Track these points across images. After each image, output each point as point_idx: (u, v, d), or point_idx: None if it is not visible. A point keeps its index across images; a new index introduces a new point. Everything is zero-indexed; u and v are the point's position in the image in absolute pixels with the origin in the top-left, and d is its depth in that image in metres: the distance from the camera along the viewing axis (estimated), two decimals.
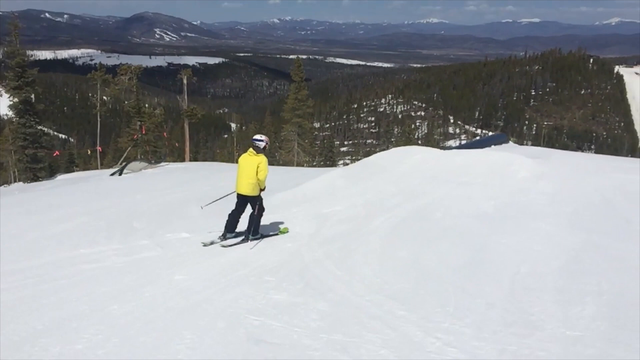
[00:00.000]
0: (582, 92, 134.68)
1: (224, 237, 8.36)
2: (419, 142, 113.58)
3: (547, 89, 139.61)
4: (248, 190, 8.16)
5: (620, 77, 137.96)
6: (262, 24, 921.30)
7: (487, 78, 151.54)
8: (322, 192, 11.99)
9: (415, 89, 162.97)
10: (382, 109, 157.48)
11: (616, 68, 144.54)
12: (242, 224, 8.37)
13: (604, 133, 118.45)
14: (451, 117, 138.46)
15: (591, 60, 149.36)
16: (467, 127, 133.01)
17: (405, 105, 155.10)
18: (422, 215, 9.64)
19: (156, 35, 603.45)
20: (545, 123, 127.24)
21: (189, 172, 20.17)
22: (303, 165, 37.65)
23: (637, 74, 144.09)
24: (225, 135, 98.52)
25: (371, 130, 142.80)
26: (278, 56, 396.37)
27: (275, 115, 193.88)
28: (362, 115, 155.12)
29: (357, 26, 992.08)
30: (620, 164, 16.52)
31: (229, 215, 8.44)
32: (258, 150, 8.15)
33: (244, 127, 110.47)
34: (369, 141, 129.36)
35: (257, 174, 8.04)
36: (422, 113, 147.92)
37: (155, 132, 29.23)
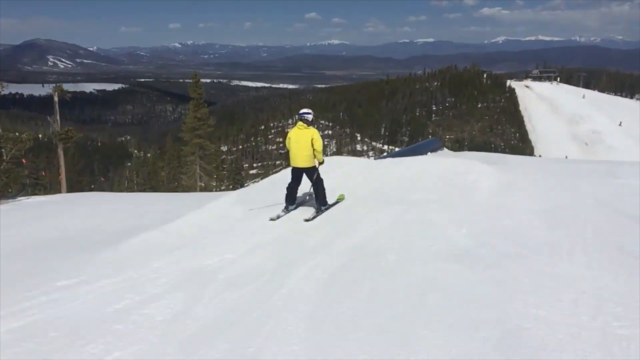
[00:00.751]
0: (479, 105, 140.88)
1: (286, 209, 8.74)
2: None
3: (447, 104, 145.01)
4: (305, 162, 8.41)
5: (512, 91, 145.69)
6: (163, 48, 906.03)
7: (390, 95, 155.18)
8: (207, 229, 8.10)
9: (321, 108, 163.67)
10: (289, 129, 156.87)
11: (508, 82, 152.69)
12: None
13: (502, 144, 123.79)
14: (358, 135, 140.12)
15: (485, 75, 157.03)
16: (374, 143, 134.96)
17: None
18: (367, 262, 6.03)
19: (49, 62, 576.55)
20: (448, 136, 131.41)
21: (44, 207, 13.52)
22: (212, 190, 35.12)
23: (527, 87, 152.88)
24: (129, 164, 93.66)
25: (280, 151, 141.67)
26: (181, 80, 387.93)
27: (179, 140, 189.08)
28: (270, 137, 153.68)
29: (260, 49, 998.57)
30: (580, 165, 14.36)
31: (288, 188, 8.80)
32: (308, 123, 8.44)
33: (149, 155, 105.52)
34: (278, 162, 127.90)
35: (312, 145, 8.31)
36: (330, 132, 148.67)
37: (27, 159, 25.76)
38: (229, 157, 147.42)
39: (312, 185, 8.74)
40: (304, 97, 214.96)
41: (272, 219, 8.29)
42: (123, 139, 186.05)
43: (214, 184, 44.03)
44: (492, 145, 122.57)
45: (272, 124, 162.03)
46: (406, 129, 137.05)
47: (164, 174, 46.52)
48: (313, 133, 8.34)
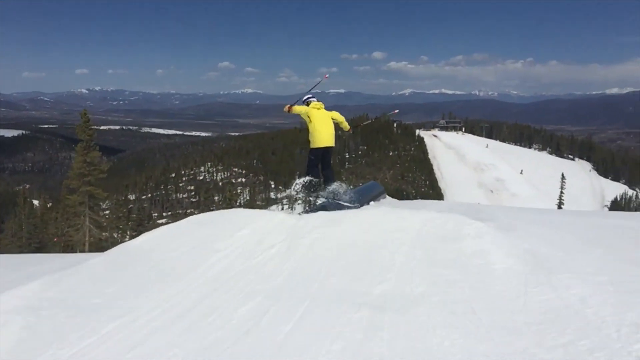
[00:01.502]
0: (390, 153, 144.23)
1: (317, 196, 8.88)
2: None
3: (360, 152, 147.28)
4: (333, 140, 8.64)
5: (421, 140, 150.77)
6: (69, 94, 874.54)
7: (304, 143, 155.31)
8: None
9: (234, 155, 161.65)
10: (201, 177, 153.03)
11: (417, 132, 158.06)
12: None
13: (413, 191, 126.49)
14: (272, 182, 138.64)
15: (395, 124, 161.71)
16: (288, 191, 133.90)
17: (225, 173, 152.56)
18: None
19: None
20: (361, 183, 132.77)
21: None
22: (105, 245, 31.67)
23: (434, 136, 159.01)
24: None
25: (191, 199, 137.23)
26: None
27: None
28: (180, 185, 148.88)
29: (172, 96, 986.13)
30: (602, 220, 8.71)
31: (316, 172, 8.84)
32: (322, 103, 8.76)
33: (49, 205, 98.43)
34: (189, 211, 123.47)
35: (340, 123, 8.79)
36: (243, 179, 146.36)
37: None
38: (136, 207, 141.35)
39: (326, 168, 9.10)
40: (217, 144, 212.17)
41: (305, 211, 8.37)
42: (21, 187, 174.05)
43: (117, 235, 40.61)
44: (405, 193, 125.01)
45: (183, 172, 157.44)
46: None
47: (57, 228, 41.95)
48: (333, 112, 8.85)
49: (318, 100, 8.87)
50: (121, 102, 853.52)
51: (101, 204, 39.06)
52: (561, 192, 73.62)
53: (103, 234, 42.52)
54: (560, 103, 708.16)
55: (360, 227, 6.66)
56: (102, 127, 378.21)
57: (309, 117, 8.63)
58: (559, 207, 72.89)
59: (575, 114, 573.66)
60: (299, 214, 8.24)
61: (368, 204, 9.48)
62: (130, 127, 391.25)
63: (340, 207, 8.33)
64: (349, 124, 9.37)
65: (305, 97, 9.01)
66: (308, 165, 9.10)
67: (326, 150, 8.71)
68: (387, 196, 12.62)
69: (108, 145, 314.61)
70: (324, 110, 8.66)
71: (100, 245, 32.91)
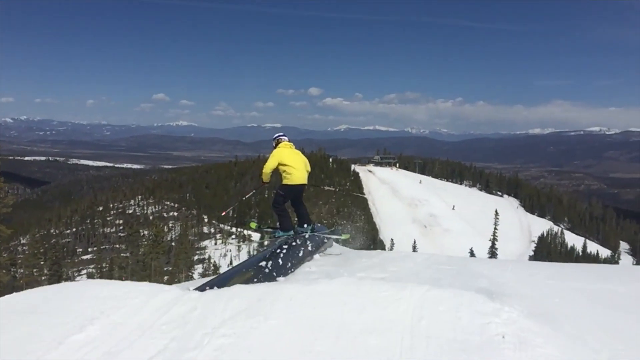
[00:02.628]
0: (326, 188, 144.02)
1: (296, 233, 8.51)
2: (172, 243, 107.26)
3: None
4: (305, 178, 8.50)
5: (356, 174, 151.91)
6: None
7: (239, 177, 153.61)
8: None
9: (166, 189, 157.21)
10: (131, 211, 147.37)
11: (352, 167, 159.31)
12: None
13: (349, 226, 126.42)
14: (205, 217, 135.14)
15: (330, 159, 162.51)
16: (221, 226, 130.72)
17: (157, 206, 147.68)
18: None
19: None
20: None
21: None
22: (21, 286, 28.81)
23: (369, 171, 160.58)
24: None
25: (119, 234, 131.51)
26: (11, 157, 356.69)
27: (4, 222, 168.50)
28: (108, 219, 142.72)
29: (103, 127, 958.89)
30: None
31: (285, 211, 8.76)
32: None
33: None
34: (117, 246, 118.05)
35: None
36: (175, 213, 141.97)
37: None
38: (61, 241, 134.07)
39: (299, 205, 9.25)
40: (149, 177, 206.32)
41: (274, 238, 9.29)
42: None
43: (35, 273, 37.46)
44: (340, 227, 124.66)
45: (111, 205, 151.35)
46: (255, 210, 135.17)
47: None
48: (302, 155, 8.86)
49: (289, 141, 8.83)
50: (48, 133, 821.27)
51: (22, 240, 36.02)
52: (495, 229, 74.97)
53: (20, 270, 39.26)
54: (487, 142, 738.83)
55: (305, 326, 3.75)
56: (26, 158, 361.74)
57: (280, 158, 8.30)
58: (493, 243, 74.18)
59: (501, 152, 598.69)
60: (201, 288, 5.57)
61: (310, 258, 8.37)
62: (57, 158, 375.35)
63: (257, 272, 7.01)
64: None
65: (276, 136, 8.93)
66: (276, 202, 8.84)
67: (301, 188, 8.62)
68: (333, 243, 10.16)
69: (32, 177, 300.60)
70: (294, 150, 8.55)
71: (14, 285, 30.07)
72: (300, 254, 7.94)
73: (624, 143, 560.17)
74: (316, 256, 8.48)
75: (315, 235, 8.97)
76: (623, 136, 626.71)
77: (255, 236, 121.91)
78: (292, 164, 8.24)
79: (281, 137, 8.81)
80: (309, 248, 8.30)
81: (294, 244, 8.12)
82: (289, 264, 7.40)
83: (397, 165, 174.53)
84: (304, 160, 8.61)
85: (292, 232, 8.65)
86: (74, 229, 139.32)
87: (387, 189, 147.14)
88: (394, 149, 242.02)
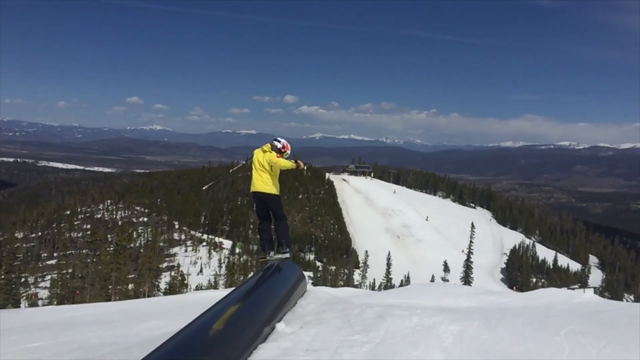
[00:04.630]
0: (300, 196, 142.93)
1: (267, 254, 7.58)
2: (141, 250, 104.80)
3: None
4: (262, 186, 7.35)
5: (331, 183, 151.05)
6: None
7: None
8: None
9: (137, 193, 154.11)
10: (99, 215, 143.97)
11: (327, 175, 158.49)
12: None
13: (322, 235, 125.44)
14: (176, 223, 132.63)
15: (305, 167, 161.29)
16: (192, 232, 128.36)
17: (127, 211, 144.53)
18: None
19: None
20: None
21: None
22: None
23: (344, 180, 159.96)
24: None
25: (87, 239, 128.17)
26: None
27: None
28: (76, 223, 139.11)
29: (74, 129, 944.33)
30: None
31: (259, 231, 7.83)
32: (274, 148, 7.49)
33: None
34: (83, 251, 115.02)
35: (270, 164, 7.23)
36: (145, 219, 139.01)
37: None
38: (24, 245, 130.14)
39: (274, 222, 7.63)
40: (120, 180, 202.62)
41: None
42: None
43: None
44: (314, 237, 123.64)
45: (79, 209, 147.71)
46: (227, 217, 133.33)
47: None
48: (274, 155, 7.37)
49: (276, 142, 7.76)
50: (17, 134, 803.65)
51: None
52: (470, 241, 74.81)
53: None
54: (460, 153, 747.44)
55: None
56: None
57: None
58: (468, 256, 73.88)
59: (473, 164, 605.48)
60: None
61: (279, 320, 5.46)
62: (26, 160, 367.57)
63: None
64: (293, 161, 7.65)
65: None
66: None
67: (258, 197, 7.58)
68: (307, 286, 7.63)
69: None
70: (261, 153, 7.60)
71: None
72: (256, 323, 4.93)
73: (592, 158, 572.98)
74: (280, 326, 5.25)
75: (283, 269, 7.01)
76: (592, 151, 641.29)
77: (227, 243, 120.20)
78: (253, 168, 7.64)
79: (272, 142, 7.85)
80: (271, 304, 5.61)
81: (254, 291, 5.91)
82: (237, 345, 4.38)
83: (372, 174, 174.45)
84: (262, 163, 7.48)
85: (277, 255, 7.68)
86: (39, 233, 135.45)
87: (361, 198, 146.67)
88: (368, 159, 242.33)
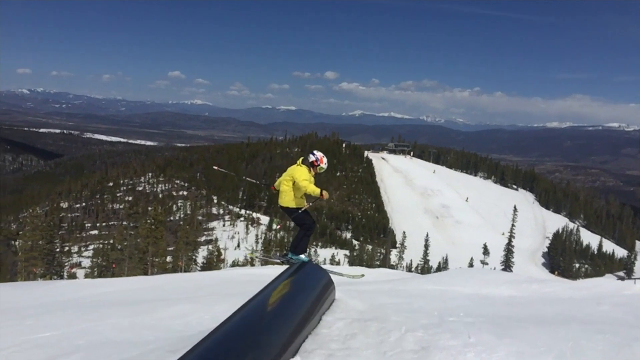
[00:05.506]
0: (338, 174, 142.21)
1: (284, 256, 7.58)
2: (181, 223, 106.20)
3: None
4: (283, 199, 7.09)
5: (369, 161, 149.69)
6: (9, 93, 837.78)
7: (250, 158, 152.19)
8: None
9: (177, 167, 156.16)
10: (141, 188, 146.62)
11: (365, 153, 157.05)
12: None
13: (359, 214, 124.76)
14: (215, 197, 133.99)
15: (344, 144, 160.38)
16: (230, 207, 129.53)
17: (167, 185, 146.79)
18: None
19: None
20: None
21: None
22: None
23: (383, 159, 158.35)
24: None
25: (129, 211, 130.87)
26: (26, 129, 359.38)
27: (17, 193, 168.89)
28: (118, 195, 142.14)
29: (118, 102, 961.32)
30: None
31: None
32: (305, 162, 7.02)
33: None
34: (124, 223, 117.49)
35: (293, 181, 6.82)
36: (185, 192, 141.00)
37: None
38: (69, 215, 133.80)
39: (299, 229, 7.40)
40: (161, 154, 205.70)
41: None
42: None
43: (50, 245, 35.96)
44: (350, 215, 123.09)
45: (122, 181, 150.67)
46: (265, 193, 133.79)
47: None
48: (302, 169, 6.90)
49: (310, 154, 7.26)
50: (64, 106, 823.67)
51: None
52: (512, 225, 72.72)
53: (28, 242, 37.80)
54: (503, 133, 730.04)
55: None
56: (41, 130, 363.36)
57: None
58: (509, 239, 71.95)
59: (516, 144, 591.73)
60: None
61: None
62: (72, 132, 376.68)
63: None
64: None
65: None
66: None
67: (282, 210, 7.31)
68: (335, 294, 6.21)
69: (46, 149, 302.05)
70: (297, 166, 7.10)
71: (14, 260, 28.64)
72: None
73: None
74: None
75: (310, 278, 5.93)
76: None
77: (264, 219, 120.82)
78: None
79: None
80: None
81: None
82: None
83: (412, 153, 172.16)
84: (286, 176, 7.13)
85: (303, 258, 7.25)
86: (84, 204, 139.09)
87: (400, 177, 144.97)
88: (408, 137, 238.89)
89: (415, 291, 13.88)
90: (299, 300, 5.05)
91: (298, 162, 7.15)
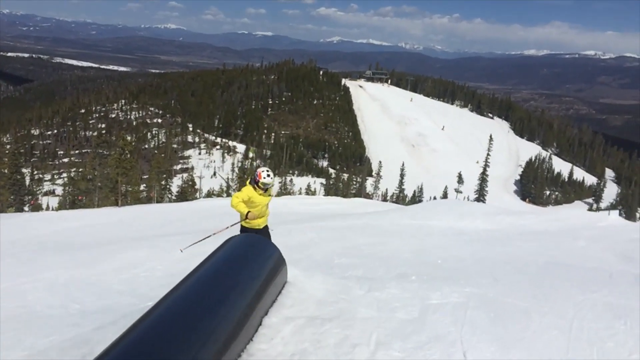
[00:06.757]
0: (315, 102, 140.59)
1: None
2: (156, 151, 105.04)
3: (283, 98, 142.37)
4: None
5: (347, 89, 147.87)
6: None
7: (226, 86, 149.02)
8: None
9: (151, 94, 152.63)
10: (114, 115, 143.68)
11: (343, 81, 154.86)
12: None
13: (336, 142, 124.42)
14: (190, 125, 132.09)
15: (321, 72, 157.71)
16: (206, 135, 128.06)
17: (141, 112, 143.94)
18: None
19: None
20: (283, 132, 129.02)
21: None
22: None
23: (360, 87, 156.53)
24: None
25: (97, 139, 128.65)
26: None
27: None
28: (91, 122, 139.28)
29: (88, 26, 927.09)
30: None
31: None
32: (251, 181, 6.68)
33: None
34: (99, 151, 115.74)
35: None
36: (159, 120, 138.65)
37: None
38: (40, 142, 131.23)
39: None
40: (135, 80, 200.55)
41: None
42: None
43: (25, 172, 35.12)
44: (327, 144, 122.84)
45: (94, 108, 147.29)
46: (241, 121, 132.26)
47: None
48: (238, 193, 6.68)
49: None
50: (32, 28, 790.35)
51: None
52: (488, 154, 73.15)
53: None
54: (481, 61, 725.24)
55: None
56: (9, 54, 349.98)
57: None
58: (484, 169, 72.53)
59: (494, 72, 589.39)
60: None
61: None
62: (41, 56, 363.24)
63: None
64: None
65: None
66: None
67: None
68: (286, 276, 5.08)
69: (15, 73, 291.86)
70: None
71: None
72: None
73: (617, 68, 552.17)
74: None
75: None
76: (618, 61, 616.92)
77: (240, 148, 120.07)
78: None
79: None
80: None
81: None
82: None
83: (389, 81, 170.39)
84: None
85: None
86: (55, 131, 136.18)
87: (377, 105, 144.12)
88: (386, 64, 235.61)
89: (390, 227, 13.69)
90: (232, 299, 3.63)
91: (247, 181, 6.91)
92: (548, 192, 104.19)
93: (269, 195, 6.76)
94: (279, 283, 4.72)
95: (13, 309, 5.95)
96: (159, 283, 3.77)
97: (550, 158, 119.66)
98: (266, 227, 6.98)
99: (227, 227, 7.19)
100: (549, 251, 9.37)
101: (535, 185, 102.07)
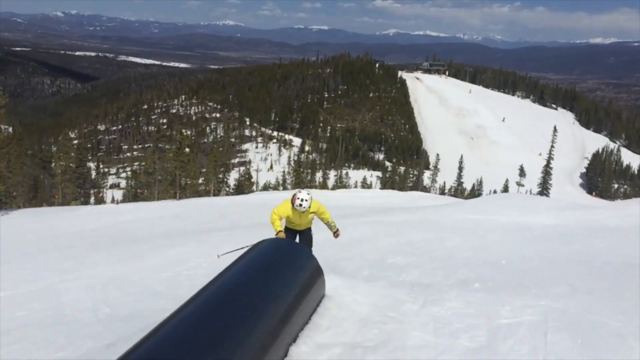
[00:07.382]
0: (371, 95, 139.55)
1: None
2: (214, 145, 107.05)
3: (339, 92, 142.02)
4: None
5: (403, 82, 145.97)
6: (44, 16, 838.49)
7: (282, 80, 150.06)
8: None
9: (209, 89, 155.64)
10: (174, 110, 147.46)
11: (399, 73, 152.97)
12: None
13: (392, 135, 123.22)
14: (247, 119, 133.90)
15: (377, 65, 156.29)
16: (263, 129, 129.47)
17: (200, 107, 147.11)
18: None
19: None
20: (339, 125, 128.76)
21: None
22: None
23: (417, 79, 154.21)
24: None
25: (157, 134, 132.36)
26: (62, 52, 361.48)
27: (57, 116, 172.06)
28: (153, 117, 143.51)
29: (151, 24, 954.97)
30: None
31: None
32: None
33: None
34: (159, 145, 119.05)
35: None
36: (218, 115, 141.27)
37: None
38: (106, 137, 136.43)
39: None
40: (195, 76, 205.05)
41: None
42: None
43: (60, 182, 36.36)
44: (383, 136, 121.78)
45: (156, 104, 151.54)
46: (297, 115, 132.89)
47: None
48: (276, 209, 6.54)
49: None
50: (98, 28, 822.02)
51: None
52: (552, 146, 70.26)
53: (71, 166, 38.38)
54: (543, 50, 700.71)
55: None
56: (77, 53, 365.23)
57: None
58: (548, 161, 69.77)
59: (557, 62, 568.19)
60: None
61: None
62: (107, 55, 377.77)
63: None
64: None
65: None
66: None
67: None
68: (324, 289, 4.57)
69: (82, 72, 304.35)
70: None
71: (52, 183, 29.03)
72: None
73: None
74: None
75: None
76: None
77: (297, 141, 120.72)
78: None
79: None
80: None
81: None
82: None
83: (447, 73, 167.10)
84: None
85: None
86: (120, 126, 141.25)
87: (434, 97, 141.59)
88: (444, 56, 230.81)
89: (448, 223, 12.93)
90: (251, 324, 2.93)
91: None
92: (616, 186, 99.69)
93: (310, 212, 6.50)
94: (314, 299, 4.10)
95: (42, 311, 5.88)
96: (199, 283, 3.62)
97: (618, 150, 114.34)
98: (309, 229, 6.79)
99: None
100: (623, 249, 8.65)
101: (602, 178, 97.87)
